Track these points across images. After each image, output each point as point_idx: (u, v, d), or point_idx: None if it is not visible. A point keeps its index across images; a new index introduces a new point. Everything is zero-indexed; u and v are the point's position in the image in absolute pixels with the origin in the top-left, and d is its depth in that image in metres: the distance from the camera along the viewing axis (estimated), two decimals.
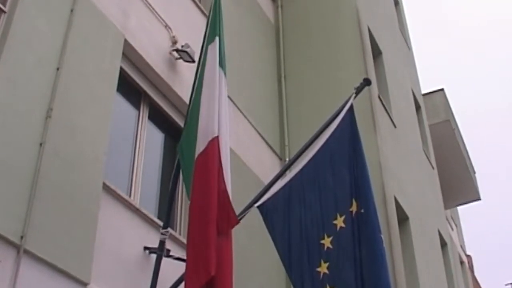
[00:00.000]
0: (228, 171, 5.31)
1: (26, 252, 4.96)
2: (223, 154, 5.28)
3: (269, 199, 6.25)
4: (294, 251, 6.10)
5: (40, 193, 5.22)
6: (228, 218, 5.07)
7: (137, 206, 6.58)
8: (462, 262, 24.06)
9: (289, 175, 6.44)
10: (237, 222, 5.14)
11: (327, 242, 6.06)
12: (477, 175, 22.06)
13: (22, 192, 5.09)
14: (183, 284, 6.25)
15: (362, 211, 6.04)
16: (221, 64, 5.75)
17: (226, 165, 5.31)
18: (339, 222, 6.11)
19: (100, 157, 6.07)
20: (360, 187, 6.19)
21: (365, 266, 5.86)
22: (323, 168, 6.40)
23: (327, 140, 6.47)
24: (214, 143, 5.25)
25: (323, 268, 5.96)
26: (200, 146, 5.31)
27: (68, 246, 5.40)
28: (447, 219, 17.97)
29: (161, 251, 6.16)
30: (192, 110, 5.96)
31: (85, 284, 5.48)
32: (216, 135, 5.28)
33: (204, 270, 4.76)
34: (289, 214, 6.22)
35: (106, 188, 6.12)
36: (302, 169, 6.40)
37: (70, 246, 5.42)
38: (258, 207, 6.24)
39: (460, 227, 27.18)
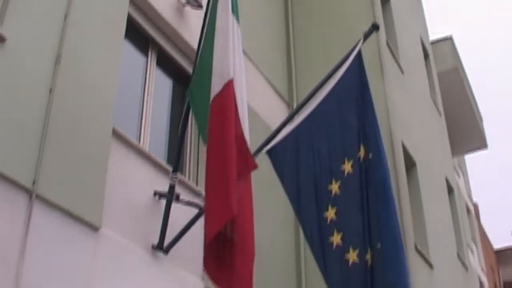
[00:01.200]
0: (244, 115, 5.35)
1: (38, 197, 5.02)
2: (239, 97, 5.31)
3: (277, 143, 6.29)
4: (303, 195, 6.16)
5: (51, 139, 5.26)
6: (246, 162, 5.13)
7: (147, 151, 6.64)
8: (468, 210, 24.21)
9: (297, 120, 6.46)
10: (256, 166, 5.19)
11: (335, 187, 6.11)
12: (484, 123, 22.04)
13: (33, 138, 5.13)
14: (194, 227, 6.41)
15: (370, 156, 6.06)
16: (234, 11, 5.73)
17: (243, 109, 5.34)
18: (347, 167, 6.14)
19: (109, 104, 6.09)
20: (368, 133, 6.20)
21: (372, 212, 5.90)
22: (331, 114, 6.41)
23: (335, 85, 6.47)
24: (230, 85, 5.27)
25: (331, 214, 6.02)
26: (215, 88, 5.33)
27: (79, 191, 5.46)
28: (454, 167, 18.03)
29: (171, 195, 6.24)
30: (203, 55, 5.96)
31: (97, 228, 5.56)
32: (231, 77, 5.30)
33: (225, 211, 4.84)
34: (298, 159, 6.26)
35: (116, 134, 6.16)
36: (310, 115, 6.41)
37: (81, 191, 5.49)
38: (267, 151, 6.28)
39: (467, 176, 27.27)
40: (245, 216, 5.18)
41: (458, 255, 13.37)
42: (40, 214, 5.03)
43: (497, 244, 37.14)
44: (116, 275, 5.70)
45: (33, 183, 4.99)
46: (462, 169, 25.42)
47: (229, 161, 4.98)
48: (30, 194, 4.97)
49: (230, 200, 4.83)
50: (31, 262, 4.81)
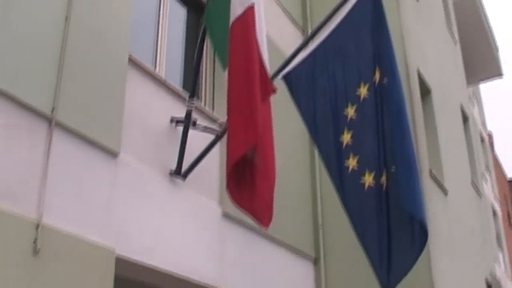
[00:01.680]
0: (263, 42, 5.35)
1: (58, 124, 5.08)
2: (258, 25, 5.30)
3: (293, 69, 6.30)
4: (319, 120, 6.20)
5: (68, 67, 5.29)
6: (266, 87, 5.17)
7: (163, 78, 6.66)
8: (482, 139, 24.20)
9: (312, 46, 6.45)
10: (274, 91, 5.23)
11: (351, 112, 6.14)
12: (500, 52, 21.80)
13: (51, 66, 5.16)
14: (211, 152, 6.49)
15: (385, 81, 6.06)
16: None
17: (261, 37, 5.34)
18: (363, 91, 6.16)
19: (125, 31, 6.09)
20: (383, 58, 6.18)
21: (387, 136, 5.94)
22: (346, 38, 6.39)
23: (350, 10, 6.42)
24: (251, 11, 5.27)
25: (347, 138, 6.07)
26: (235, 12, 5.32)
27: (97, 117, 5.52)
28: (468, 96, 17.94)
29: (187, 122, 6.29)
30: None
31: (116, 154, 5.64)
32: (252, 3, 5.28)
33: (251, 134, 4.92)
34: (314, 84, 6.28)
35: (132, 61, 6.18)
36: (324, 40, 6.40)
37: (100, 117, 5.55)
38: (283, 77, 6.30)
39: (481, 105, 27.15)
40: (267, 139, 5.25)
41: (472, 182, 13.46)
42: (59, 141, 5.10)
43: (510, 174, 37.26)
44: (135, 200, 5.81)
45: (52, 110, 5.04)
46: (476, 98, 25.29)
47: (252, 85, 5.02)
48: (50, 121, 5.03)
49: (255, 123, 4.89)
50: (53, 187, 4.92)
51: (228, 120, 5.22)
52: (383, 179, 5.79)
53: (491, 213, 18.20)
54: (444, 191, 10.23)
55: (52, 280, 4.75)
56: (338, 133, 6.07)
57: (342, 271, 8.95)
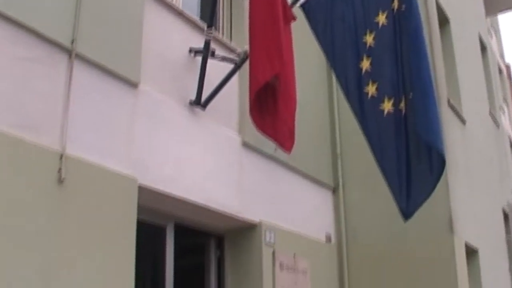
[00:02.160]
0: None
1: (78, 56, 5.10)
2: None
3: None
4: (337, 48, 6.19)
5: None
6: (287, 15, 5.16)
7: (180, 8, 6.63)
8: (500, 71, 23.95)
9: None
10: (294, 18, 5.21)
11: (369, 39, 6.11)
12: None
13: None
14: (230, 82, 6.52)
15: (404, 8, 5.99)
16: None
17: None
18: (381, 18, 6.11)
19: None
20: None
21: (405, 62, 5.91)
22: None
23: None
24: None
25: (366, 64, 6.05)
26: None
27: (117, 49, 5.53)
28: (487, 27, 17.69)
29: (206, 51, 6.29)
30: None
31: (136, 85, 5.68)
32: None
33: (275, 61, 4.94)
34: (332, 12, 6.24)
35: None
36: None
37: (119, 49, 5.56)
38: (301, 5, 6.25)
39: (500, 37, 26.77)
40: (289, 66, 5.27)
41: (490, 113, 13.41)
42: (80, 72, 5.13)
43: None
44: (155, 130, 5.88)
45: (72, 41, 5.05)
46: (495, 29, 24.92)
47: (274, 12, 5.02)
48: (70, 53, 5.05)
49: (279, 50, 4.91)
50: (75, 118, 4.98)
51: (250, 47, 5.23)
52: (402, 105, 5.79)
53: (508, 145, 18.13)
54: (462, 121, 10.22)
55: (77, 208, 4.85)
56: (357, 60, 6.05)
57: (361, 200, 9.06)
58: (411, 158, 5.71)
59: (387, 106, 5.85)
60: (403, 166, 5.72)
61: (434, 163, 5.55)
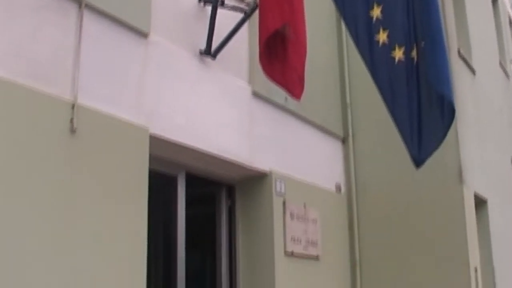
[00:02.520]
0: None
1: (88, 5, 5.06)
2: None
3: None
4: None
5: None
6: None
7: None
8: (511, 22, 23.69)
9: None
10: None
11: None
12: None
13: None
14: (240, 32, 6.49)
15: None
16: None
17: None
18: None
19: None
20: None
21: (417, 10, 5.87)
22: None
23: None
24: None
25: (376, 12, 6.00)
26: None
27: None
28: None
29: (216, 0, 6.25)
30: None
31: (146, 35, 5.66)
32: None
33: (286, 8, 4.92)
34: None
35: None
36: None
37: None
38: None
39: None
40: (298, 13, 5.25)
41: (500, 64, 13.32)
42: (90, 22, 5.10)
43: None
44: (166, 79, 5.87)
45: None
46: None
47: None
48: (79, 3, 5.01)
49: None
50: (86, 68, 4.97)
51: None
52: (414, 53, 5.77)
53: None
54: (472, 71, 10.17)
55: (89, 158, 4.89)
56: (368, 8, 5.99)
57: (370, 149, 9.08)
58: (422, 106, 5.71)
59: (398, 54, 5.83)
60: (415, 114, 5.73)
61: (445, 111, 5.55)
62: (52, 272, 4.41)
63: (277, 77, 5.55)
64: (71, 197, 4.66)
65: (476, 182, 8.98)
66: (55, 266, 4.44)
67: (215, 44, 6.38)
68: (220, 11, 6.33)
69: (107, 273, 4.88)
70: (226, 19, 6.43)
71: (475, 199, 8.85)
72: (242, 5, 6.70)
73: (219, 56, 6.44)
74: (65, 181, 4.63)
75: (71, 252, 4.58)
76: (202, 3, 6.48)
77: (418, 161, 5.76)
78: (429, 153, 5.73)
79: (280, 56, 5.44)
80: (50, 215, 4.47)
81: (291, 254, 7.30)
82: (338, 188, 8.80)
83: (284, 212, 7.28)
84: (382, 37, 5.90)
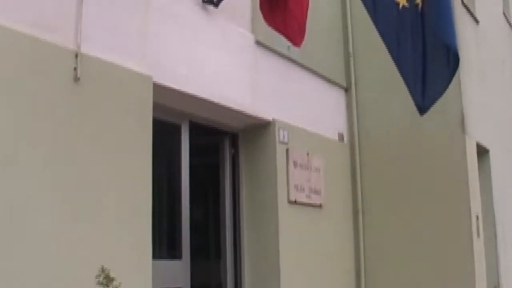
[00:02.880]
0: None
1: None
2: None
3: None
4: None
5: None
6: None
7: None
8: None
9: None
10: None
11: None
12: None
13: None
14: None
15: None
16: None
17: None
18: None
19: None
20: None
21: None
22: None
23: None
24: None
25: None
26: None
27: None
28: None
29: None
30: None
31: None
32: None
33: None
34: None
35: None
36: None
37: None
38: None
39: None
40: None
41: (503, 13, 13.20)
42: None
43: None
44: (169, 28, 5.85)
45: None
46: None
47: None
48: None
49: None
50: (88, 17, 4.92)
51: None
52: (418, 0, 5.73)
53: None
54: (476, 21, 10.09)
55: (93, 106, 4.90)
56: None
57: (373, 99, 9.07)
58: (427, 54, 5.70)
59: (402, 0, 5.79)
60: (419, 61, 5.72)
61: (450, 58, 5.55)
62: (55, 221, 4.45)
63: (278, 25, 5.54)
64: (75, 145, 4.68)
65: (478, 132, 9.00)
66: (58, 214, 4.47)
67: None
68: None
69: (112, 221, 4.93)
70: None
71: (477, 148, 8.88)
72: None
73: (222, 4, 6.40)
74: (69, 129, 4.65)
75: (75, 200, 4.62)
76: None
77: (422, 108, 5.78)
78: (433, 100, 5.75)
79: (281, 4, 5.42)
80: (53, 163, 4.49)
81: (294, 202, 7.37)
82: (341, 137, 8.83)
83: (287, 161, 7.32)
84: None
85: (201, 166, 7.38)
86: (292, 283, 7.15)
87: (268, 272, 7.08)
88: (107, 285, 3.95)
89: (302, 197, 7.52)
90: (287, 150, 7.35)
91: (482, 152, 9.50)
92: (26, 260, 4.18)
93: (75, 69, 4.73)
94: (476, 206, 8.41)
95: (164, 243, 6.42)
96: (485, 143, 9.45)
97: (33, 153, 4.34)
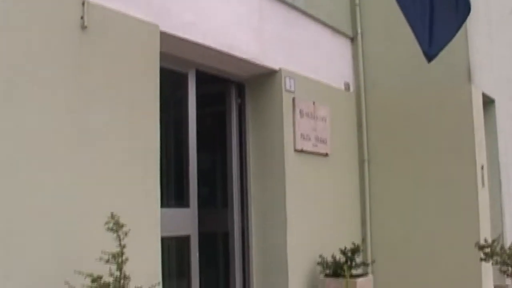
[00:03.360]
0: None
1: None
2: None
3: None
4: None
5: None
6: None
7: None
8: None
9: None
10: None
11: None
12: None
13: None
14: None
15: None
16: None
17: None
18: None
19: None
20: None
21: None
22: None
23: None
24: None
25: None
26: None
27: None
28: None
29: None
30: None
31: None
32: None
33: None
34: None
35: None
36: None
37: None
38: None
39: None
40: None
41: None
42: None
43: None
44: None
45: None
46: None
47: None
48: None
49: None
50: None
51: None
52: None
53: None
54: None
55: (100, 55, 4.91)
56: None
57: (379, 48, 9.00)
58: (435, 1, 5.65)
59: None
60: (427, 8, 5.68)
61: (460, 5, 5.51)
62: (63, 169, 4.49)
63: None
64: (82, 93, 4.70)
65: (484, 82, 8.99)
66: (65, 162, 4.51)
67: None
68: None
69: (120, 169, 4.98)
70: None
71: (483, 98, 8.87)
72: None
73: None
74: (76, 77, 4.66)
75: (83, 148, 4.66)
76: None
77: (430, 56, 5.76)
78: (440, 47, 5.73)
79: None
80: (60, 110, 4.52)
81: (301, 151, 7.42)
82: (347, 87, 8.82)
83: (294, 110, 7.33)
84: None
85: (208, 115, 7.41)
86: (298, 231, 7.24)
87: (274, 220, 7.16)
88: (117, 230, 4.03)
89: (308, 146, 7.55)
90: (293, 99, 7.36)
91: (488, 102, 9.51)
92: (36, 209, 4.24)
93: (82, 17, 4.72)
94: (481, 156, 8.44)
95: (172, 192, 6.48)
96: (491, 93, 9.45)
97: (40, 101, 4.36)
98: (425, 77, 8.41)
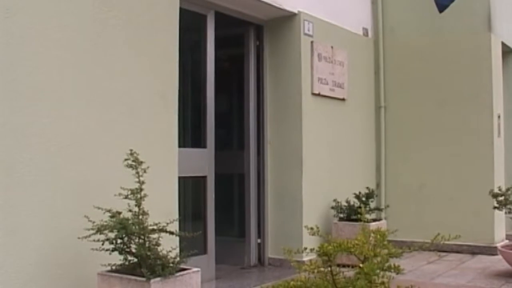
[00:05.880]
0: None
1: None
2: None
3: None
4: None
5: None
6: None
7: None
8: None
9: None
10: None
11: None
12: None
13: None
14: None
15: None
16: None
17: None
18: None
19: None
20: None
21: None
22: None
23: None
24: None
25: None
26: None
27: None
28: None
29: None
30: None
31: None
32: None
33: None
34: None
35: None
36: None
37: None
38: None
39: None
40: None
41: None
42: None
43: None
44: None
45: None
46: None
47: None
48: None
49: None
50: None
51: None
52: None
53: None
54: None
55: None
56: None
57: None
58: None
59: None
60: None
61: None
62: (83, 107, 4.51)
63: None
64: (103, 34, 4.69)
65: (503, 31, 8.91)
66: (86, 101, 4.54)
67: None
68: None
69: (139, 109, 5.01)
70: None
71: (502, 47, 8.81)
72: None
73: None
74: (96, 19, 4.64)
75: (104, 88, 4.69)
76: None
77: (441, 6, 5.71)
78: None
79: None
80: (82, 51, 4.52)
81: (318, 95, 7.43)
82: (365, 32, 8.77)
83: (312, 53, 7.32)
84: None
85: (226, 58, 7.41)
86: (313, 174, 7.30)
87: (290, 163, 7.22)
88: (136, 167, 4.08)
89: (325, 90, 7.56)
90: (311, 43, 7.34)
91: (507, 52, 9.45)
92: (55, 144, 4.29)
93: None
94: (498, 105, 8.43)
95: (189, 133, 6.54)
96: (510, 43, 9.37)
97: (62, 40, 4.37)
98: (444, 24, 8.35)
